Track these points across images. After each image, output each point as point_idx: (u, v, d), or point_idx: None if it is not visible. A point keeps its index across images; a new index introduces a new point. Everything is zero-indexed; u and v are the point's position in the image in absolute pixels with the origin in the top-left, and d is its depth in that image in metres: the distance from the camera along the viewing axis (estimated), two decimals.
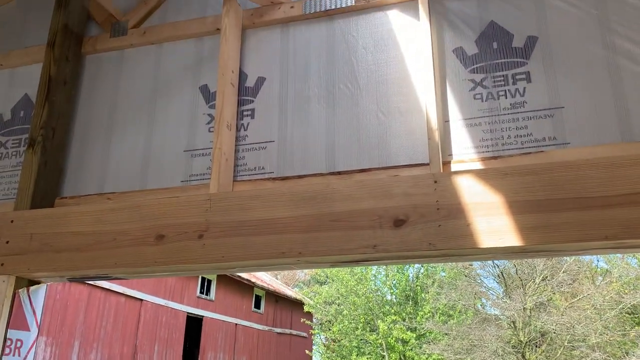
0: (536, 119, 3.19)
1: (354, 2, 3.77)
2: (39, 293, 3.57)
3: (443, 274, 19.25)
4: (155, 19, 4.33)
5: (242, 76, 3.93)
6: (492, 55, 3.41)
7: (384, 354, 18.08)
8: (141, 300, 15.73)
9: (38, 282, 3.58)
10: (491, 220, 2.70)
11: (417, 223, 2.80)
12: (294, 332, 26.37)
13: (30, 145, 3.87)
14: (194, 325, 18.90)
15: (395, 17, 3.71)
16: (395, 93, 3.53)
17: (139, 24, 4.31)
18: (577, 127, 3.10)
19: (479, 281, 19.16)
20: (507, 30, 3.43)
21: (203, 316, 19.00)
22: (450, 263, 18.25)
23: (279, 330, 24.90)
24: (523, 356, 15.96)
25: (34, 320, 3.50)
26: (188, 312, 18.11)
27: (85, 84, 4.29)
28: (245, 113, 3.83)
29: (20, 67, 4.53)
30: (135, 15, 4.31)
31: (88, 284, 13.48)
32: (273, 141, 3.68)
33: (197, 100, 3.96)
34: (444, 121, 3.35)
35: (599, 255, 17.45)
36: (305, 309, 22.25)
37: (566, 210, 2.62)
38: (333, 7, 3.81)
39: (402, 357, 17.98)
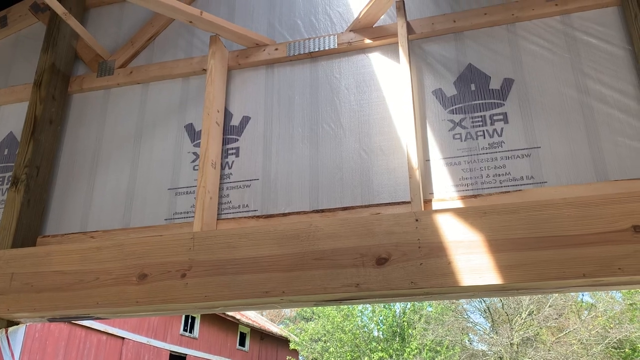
0: (514, 158, 3.27)
1: (336, 44, 3.89)
2: (18, 334, 3.51)
3: (430, 309, 19.15)
4: (141, 59, 4.40)
5: (227, 115, 3.99)
6: (470, 96, 3.51)
7: None
8: (123, 338, 15.38)
9: (17, 323, 3.53)
10: (471, 258, 2.74)
11: (399, 261, 2.84)
12: None
13: (13, 183, 3.87)
14: None
15: (376, 60, 3.82)
16: (377, 132, 3.61)
17: (126, 63, 4.38)
18: (553, 166, 3.19)
19: (466, 316, 19.09)
20: (485, 73, 3.55)
21: (186, 354, 18.59)
22: None
23: None
24: None
25: None
26: (171, 351, 17.72)
27: (71, 122, 4.32)
28: (230, 151, 3.87)
29: (5, 105, 4.55)
30: (122, 55, 4.38)
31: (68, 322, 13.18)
32: (257, 179, 3.73)
33: (182, 138, 4.00)
34: (425, 160, 3.43)
35: None
36: (291, 346, 21.89)
37: (544, 249, 2.68)
38: (316, 49, 3.92)
39: None
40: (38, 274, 3.37)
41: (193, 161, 3.90)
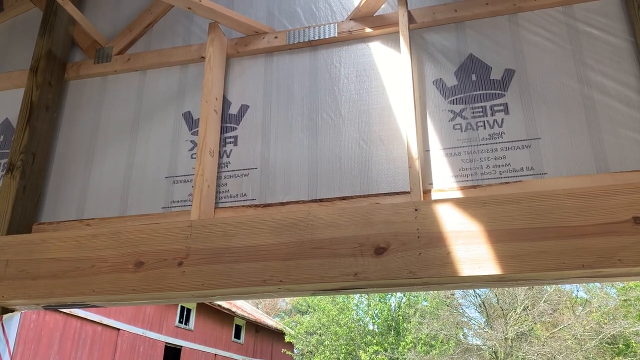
0: (514, 149, 3.25)
1: (337, 33, 3.85)
2: (13, 321, 3.48)
3: (425, 303, 19.18)
4: (139, 45, 4.36)
5: (225, 103, 3.96)
6: (471, 87, 3.49)
7: None
8: (118, 329, 15.36)
9: (12, 310, 3.50)
10: (470, 248, 2.73)
11: (398, 251, 2.82)
12: None
13: (9, 170, 3.83)
14: (172, 355, 18.48)
15: (377, 49, 3.79)
16: (376, 122, 3.58)
17: (124, 50, 4.33)
18: (553, 157, 3.17)
19: (461, 311, 19.14)
20: (486, 63, 3.52)
21: (182, 346, 18.60)
22: (431, 292, 18.24)
23: None
24: None
25: (6, 349, 3.41)
26: (166, 342, 17.72)
27: (68, 109, 4.28)
28: (228, 140, 3.84)
29: (1, 91, 4.50)
30: (119, 42, 4.34)
31: (63, 312, 13.15)
32: (255, 168, 3.70)
33: (180, 126, 3.97)
34: (425, 150, 3.40)
35: (578, 285, 17.60)
36: (287, 339, 21.91)
37: (544, 239, 2.66)
38: (316, 37, 3.88)
39: None
40: (33, 261, 3.34)
41: (191, 149, 3.87)
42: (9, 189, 3.76)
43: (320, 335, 19.72)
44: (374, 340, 18.56)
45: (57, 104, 4.23)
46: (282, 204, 3.53)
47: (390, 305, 19.13)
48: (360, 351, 18.08)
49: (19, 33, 4.73)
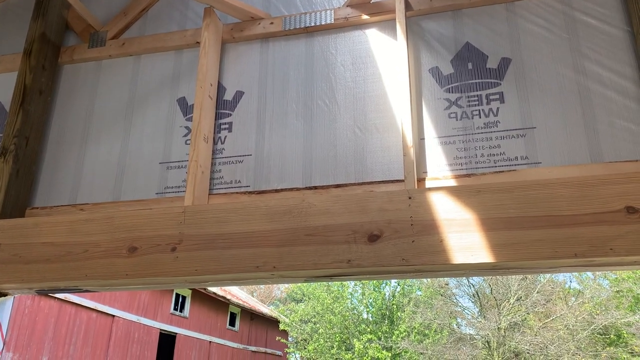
0: (509, 138, 3.25)
1: (333, 20, 3.83)
2: (5, 305, 3.49)
3: (419, 292, 19.29)
4: (134, 30, 4.32)
5: (220, 90, 3.94)
6: (467, 75, 3.48)
7: None
8: (113, 316, 15.39)
9: (5, 294, 3.50)
10: (463, 236, 2.73)
11: (391, 238, 2.82)
12: (269, 350, 26.05)
13: (2, 154, 3.81)
14: (167, 342, 18.55)
15: (373, 36, 3.77)
16: (372, 110, 3.57)
17: (118, 35, 4.30)
18: (548, 147, 3.17)
19: (455, 300, 19.25)
20: (482, 52, 3.51)
21: (176, 333, 18.67)
22: (425, 281, 18.33)
23: (253, 348, 24.57)
24: None
25: None
26: (161, 329, 17.77)
27: (61, 93, 4.25)
28: (222, 126, 3.83)
29: None
30: (114, 26, 4.30)
31: (58, 298, 13.16)
32: (250, 155, 3.69)
33: (175, 112, 3.94)
34: (419, 139, 3.40)
35: (571, 275, 17.71)
36: (281, 327, 22.03)
37: (537, 228, 2.67)
38: (312, 24, 3.86)
39: None
40: (26, 245, 3.33)
41: (185, 135, 3.85)
42: (2, 173, 3.74)
43: (314, 324, 19.83)
44: (368, 329, 18.67)
45: (50, 88, 4.20)
46: (277, 190, 3.53)
47: (385, 295, 19.22)
48: (354, 339, 18.19)
49: (12, 17, 4.67)
